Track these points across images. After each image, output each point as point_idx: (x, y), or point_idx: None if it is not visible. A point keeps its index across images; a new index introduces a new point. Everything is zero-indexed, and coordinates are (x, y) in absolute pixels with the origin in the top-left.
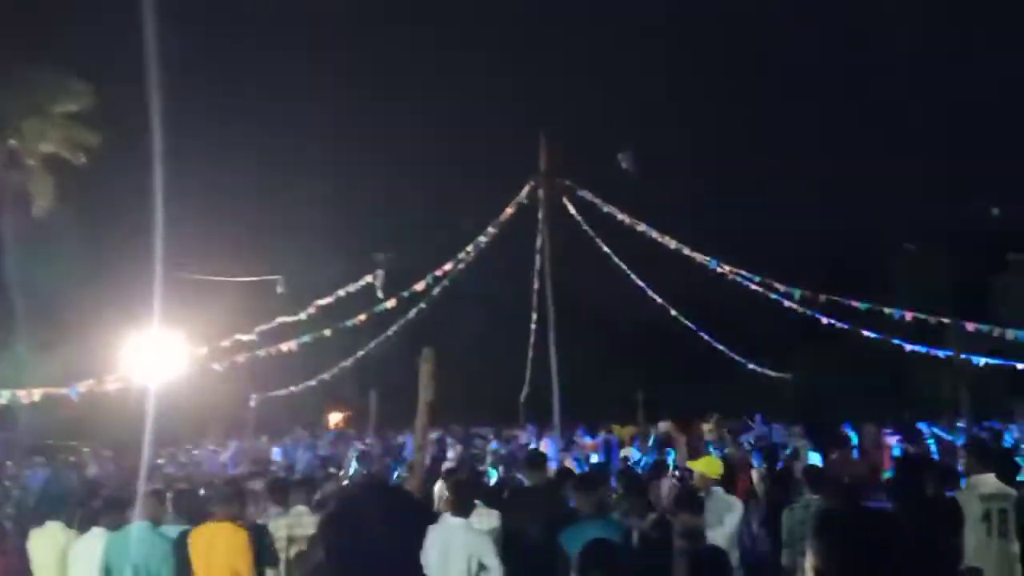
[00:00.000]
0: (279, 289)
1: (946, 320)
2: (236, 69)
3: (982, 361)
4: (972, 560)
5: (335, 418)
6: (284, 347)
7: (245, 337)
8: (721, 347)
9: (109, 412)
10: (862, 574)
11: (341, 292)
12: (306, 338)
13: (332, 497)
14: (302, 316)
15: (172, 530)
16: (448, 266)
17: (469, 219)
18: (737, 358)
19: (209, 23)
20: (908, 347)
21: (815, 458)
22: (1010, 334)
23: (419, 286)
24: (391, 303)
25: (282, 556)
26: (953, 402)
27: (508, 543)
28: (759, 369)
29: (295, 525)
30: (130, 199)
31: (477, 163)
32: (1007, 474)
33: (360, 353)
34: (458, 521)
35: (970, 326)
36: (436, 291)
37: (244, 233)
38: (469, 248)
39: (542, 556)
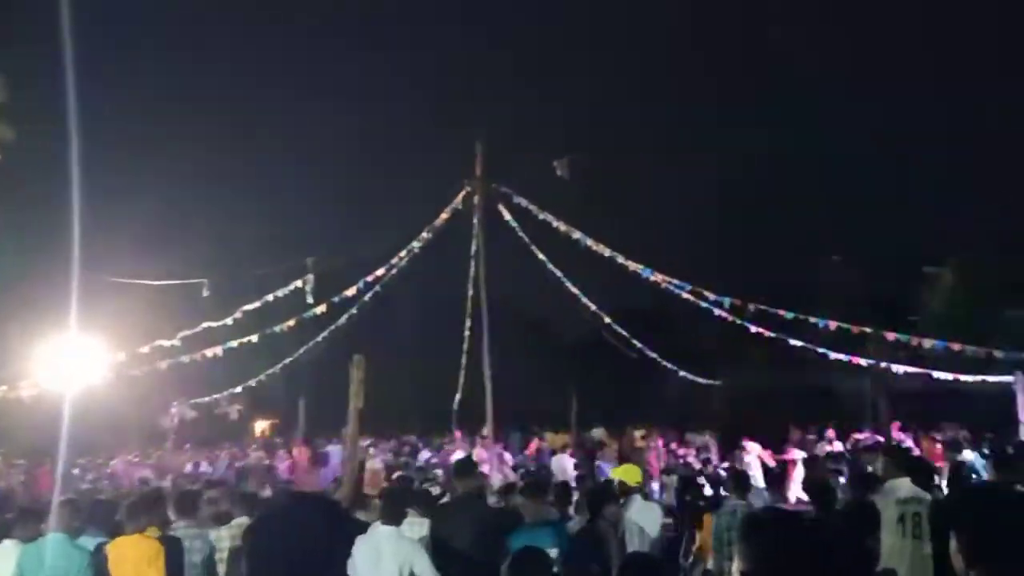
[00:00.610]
0: (204, 293)
1: (868, 330)
2: (159, 67)
3: (901, 369)
4: (887, 561)
5: (261, 426)
6: (209, 353)
7: (167, 343)
8: (653, 354)
9: (22, 419)
10: (778, 572)
11: (269, 297)
12: (232, 344)
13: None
14: (228, 321)
15: (89, 542)
16: (380, 271)
17: (402, 224)
18: (669, 365)
19: (132, 21)
20: (832, 355)
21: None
22: (927, 343)
23: (350, 291)
24: (321, 308)
25: (221, 569)
26: (873, 408)
27: (437, 551)
28: (690, 376)
29: (237, 536)
30: (47, 198)
31: (412, 167)
32: (923, 479)
33: (288, 360)
34: (388, 529)
35: (890, 336)
36: (368, 297)
37: (168, 234)
38: (402, 253)
39: (472, 564)
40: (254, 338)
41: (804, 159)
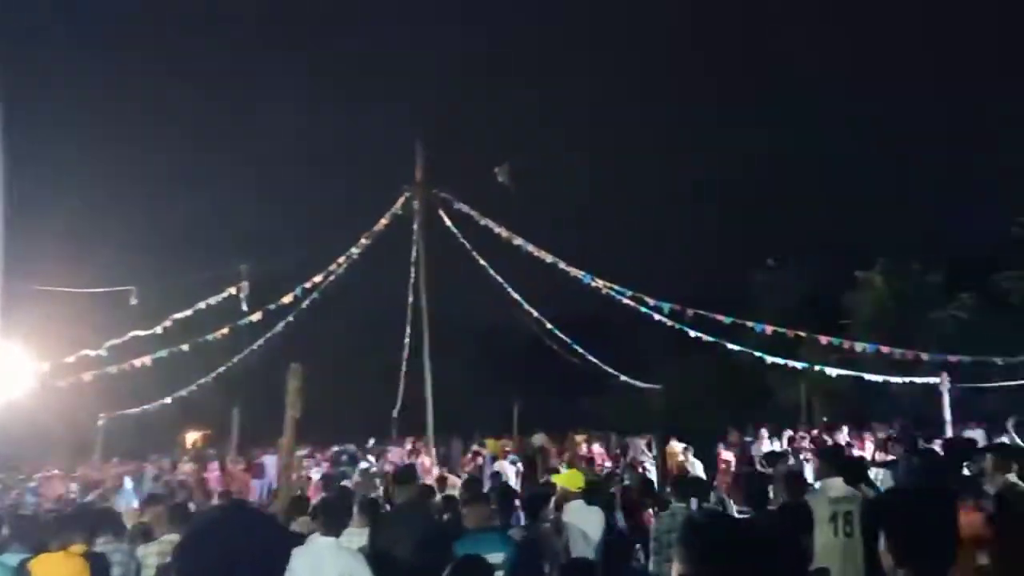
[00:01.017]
0: (132, 301)
1: (802, 334)
2: (88, 68)
3: (834, 372)
4: (820, 559)
5: (193, 437)
6: (137, 363)
7: (93, 352)
8: (594, 360)
9: None
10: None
11: (201, 304)
12: (162, 353)
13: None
14: (157, 330)
15: (12, 558)
16: (318, 278)
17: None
18: (610, 370)
19: (55, 21)
20: (768, 359)
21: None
22: (859, 346)
23: (287, 298)
24: (256, 316)
25: None
26: (808, 410)
27: (378, 561)
28: (631, 381)
29: (165, 553)
30: None
31: (350, 172)
32: (855, 478)
33: (222, 368)
34: (328, 540)
35: (823, 339)
36: (305, 304)
37: (95, 240)
38: (341, 259)
39: (414, 573)
40: (185, 347)
41: (742, 168)
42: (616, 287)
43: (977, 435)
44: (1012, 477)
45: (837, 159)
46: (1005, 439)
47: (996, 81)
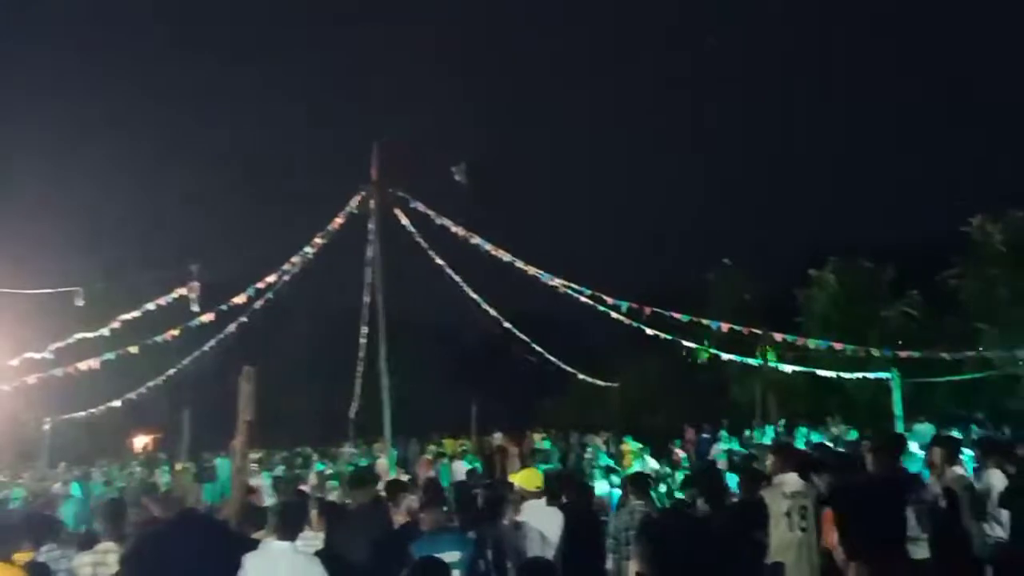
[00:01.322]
0: (78, 302)
1: (758, 331)
2: (34, 69)
3: (789, 368)
4: (776, 553)
5: (143, 441)
6: (83, 365)
7: (38, 355)
8: (552, 358)
9: None
10: (673, 574)
11: (150, 305)
12: (110, 355)
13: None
14: (104, 332)
15: None
16: (272, 278)
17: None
18: (568, 369)
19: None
20: (725, 356)
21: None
22: (812, 343)
23: (239, 299)
24: (207, 317)
25: None
26: (763, 406)
27: (335, 565)
28: (589, 379)
29: (100, 563)
30: None
31: (306, 170)
32: (809, 473)
33: (172, 371)
34: (284, 545)
35: (778, 336)
36: (258, 304)
37: (40, 239)
38: (295, 259)
39: (369, 574)
40: (133, 349)
41: (699, 170)
42: (574, 286)
43: (926, 429)
44: (959, 470)
45: (791, 160)
46: (955, 433)
47: (943, 81)
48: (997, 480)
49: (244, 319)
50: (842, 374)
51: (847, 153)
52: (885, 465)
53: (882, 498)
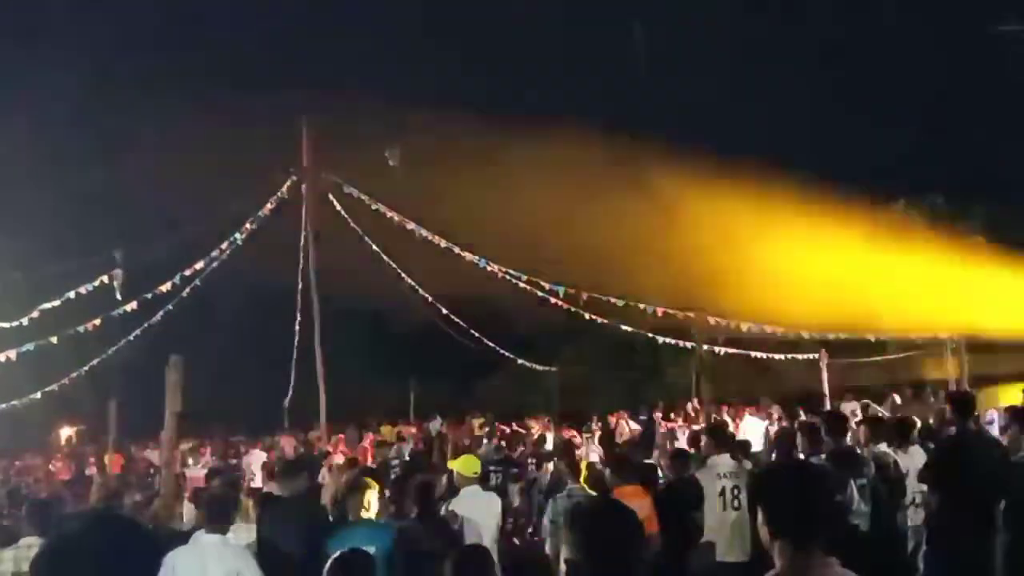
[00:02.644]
0: None
1: (691, 314)
2: None
3: (722, 351)
4: (709, 533)
5: (67, 433)
6: (1, 357)
7: None
8: (490, 343)
9: None
10: (602, 562)
11: (71, 294)
12: (29, 346)
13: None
14: (23, 321)
15: None
16: (199, 264)
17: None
18: (506, 354)
19: None
20: (660, 339)
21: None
22: (744, 326)
23: (165, 286)
24: (132, 305)
25: None
26: (697, 387)
27: (264, 556)
28: (527, 364)
29: (23, 559)
30: None
31: (234, 152)
32: (741, 453)
33: (95, 361)
34: (213, 538)
35: (711, 319)
36: (185, 292)
37: None
38: (224, 245)
39: (300, 568)
40: (54, 339)
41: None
42: (512, 271)
43: (853, 407)
44: (883, 447)
45: (721, 135)
46: (881, 411)
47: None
48: (919, 458)
49: (170, 307)
50: (773, 355)
51: (771, 117)
52: (815, 442)
53: (804, 478)
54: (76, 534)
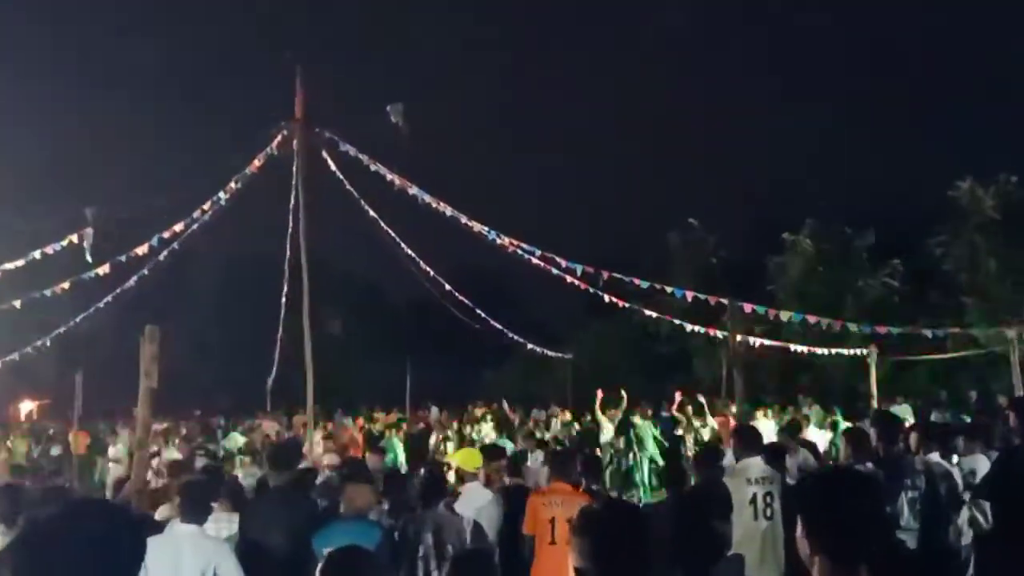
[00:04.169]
0: None
1: (724, 301)
2: None
3: (757, 342)
4: (739, 545)
5: (28, 408)
6: None
7: None
8: (498, 325)
9: None
10: (613, 573)
11: (36, 253)
12: None
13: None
14: None
15: None
16: (179, 226)
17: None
18: (515, 337)
19: None
20: (688, 327)
21: None
22: (784, 315)
23: (141, 249)
24: (104, 269)
25: None
26: (729, 383)
27: (248, 550)
28: (538, 349)
29: None
30: None
31: (221, 104)
32: (775, 457)
33: (61, 329)
34: (189, 529)
35: (747, 307)
36: (163, 256)
37: None
38: (206, 206)
39: (287, 564)
40: (17, 303)
41: (664, 120)
42: (524, 245)
43: (903, 411)
44: (935, 456)
45: (767, 113)
46: (934, 416)
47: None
48: (982, 466)
49: (146, 272)
50: (815, 349)
51: (830, 110)
52: (864, 450)
53: (855, 487)
54: (54, 522)
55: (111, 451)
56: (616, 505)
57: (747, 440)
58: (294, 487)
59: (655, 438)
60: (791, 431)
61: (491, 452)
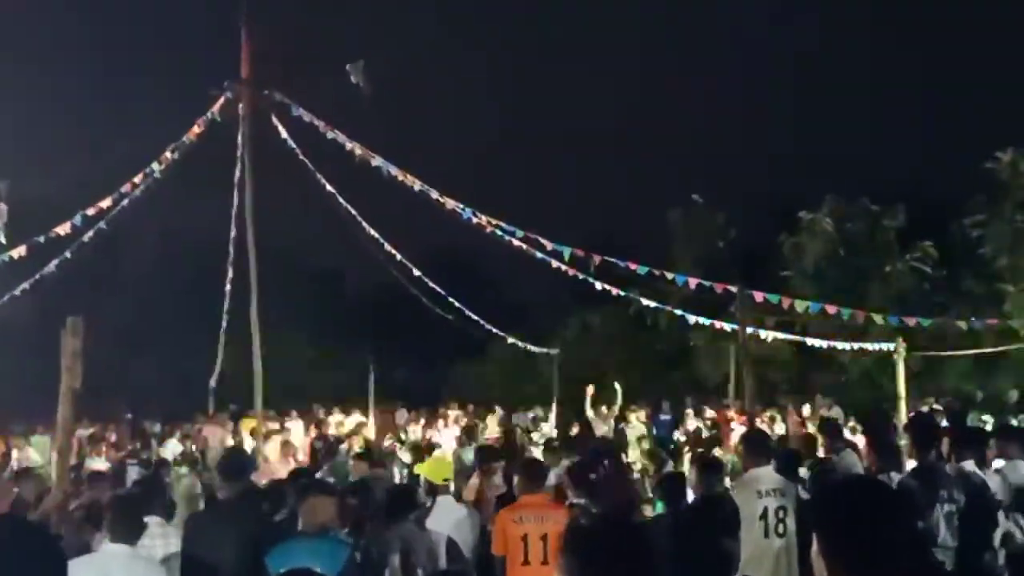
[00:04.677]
0: None
1: (733, 288)
2: None
3: (770, 335)
4: (747, 565)
5: None
6: None
7: None
8: (473, 315)
9: None
10: None
11: None
12: None
13: None
14: None
15: None
16: (106, 202)
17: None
18: (493, 329)
19: None
20: (692, 318)
21: None
22: (801, 305)
23: (63, 228)
24: (19, 251)
25: None
26: (737, 380)
27: (191, 571)
28: (520, 344)
29: None
30: None
31: (152, 64)
32: (788, 466)
33: None
34: (119, 549)
35: (758, 296)
36: (88, 236)
37: None
38: (137, 179)
39: None
40: None
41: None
42: (504, 225)
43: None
44: (970, 464)
45: (782, 82)
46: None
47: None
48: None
49: (68, 255)
50: (835, 343)
51: (851, 79)
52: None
53: (882, 499)
54: None
55: (16, 456)
56: (611, 520)
57: (756, 447)
58: (245, 499)
59: (645, 440)
60: (829, 431)
61: (488, 452)
